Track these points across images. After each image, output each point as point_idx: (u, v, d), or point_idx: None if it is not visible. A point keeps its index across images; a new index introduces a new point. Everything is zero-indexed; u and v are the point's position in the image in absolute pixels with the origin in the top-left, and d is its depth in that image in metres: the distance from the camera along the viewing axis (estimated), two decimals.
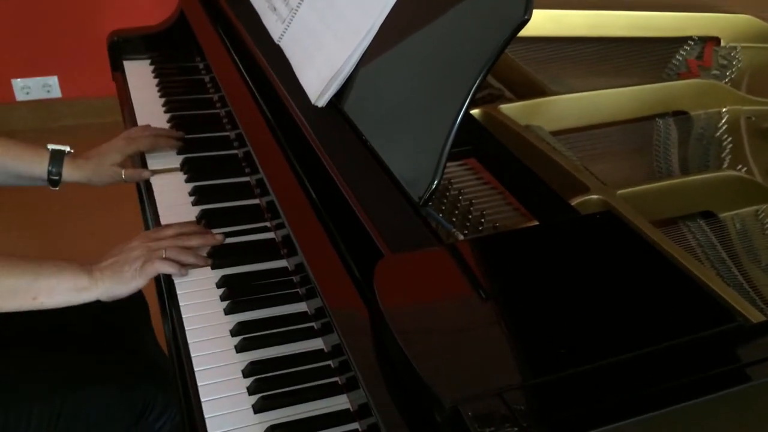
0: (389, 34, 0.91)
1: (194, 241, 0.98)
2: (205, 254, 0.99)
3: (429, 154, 0.78)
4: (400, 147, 0.83)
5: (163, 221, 1.08)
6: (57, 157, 1.12)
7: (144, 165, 1.20)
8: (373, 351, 0.66)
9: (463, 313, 0.63)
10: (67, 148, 1.14)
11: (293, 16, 1.07)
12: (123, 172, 1.17)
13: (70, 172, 1.14)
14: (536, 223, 0.84)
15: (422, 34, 0.87)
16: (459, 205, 0.89)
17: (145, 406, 1.08)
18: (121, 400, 1.06)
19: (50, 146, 1.13)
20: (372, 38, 0.92)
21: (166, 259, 0.95)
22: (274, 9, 1.13)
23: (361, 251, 0.75)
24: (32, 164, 1.12)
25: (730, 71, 1.24)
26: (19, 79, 2.84)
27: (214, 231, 1.03)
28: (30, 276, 0.89)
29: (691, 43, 1.29)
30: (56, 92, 2.90)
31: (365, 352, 0.66)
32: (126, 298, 1.28)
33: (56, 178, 1.13)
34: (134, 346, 1.27)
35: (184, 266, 0.96)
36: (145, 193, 1.17)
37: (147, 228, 1.13)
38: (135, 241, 0.97)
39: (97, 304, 1.23)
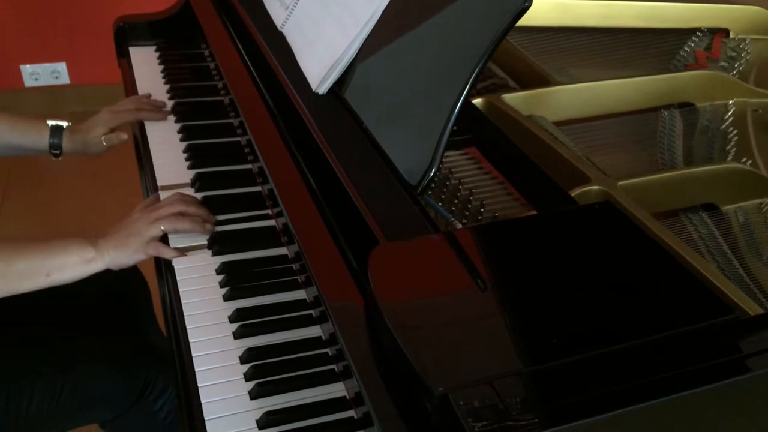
0: (390, 22, 0.91)
1: (192, 209, 1.01)
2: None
3: (428, 142, 0.77)
4: (400, 135, 0.83)
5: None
6: (57, 132, 1.21)
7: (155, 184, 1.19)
8: (366, 339, 0.66)
9: (456, 301, 0.63)
10: (65, 123, 1.23)
11: (296, 3, 1.06)
12: (103, 138, 1.25)
13: (68, 145, 1.23)
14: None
15: (423, 22, 0.86)
16: (459, 194, 0.88)
17: (145, 386, 1.10)
18: (122, 379, 1.08)
19: (50, 122, 1.21)
20: (373, 25, 0.91)
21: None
22: None
23: (358, 239, 0.75)
24: (36, 139, 1.21)
25: (738, 63, 1.23)
26: (28, 65, 2.85)
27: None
28: (40, 256, 0.94)
29: (700, 34, 1.28)
30: (65, 78, 2.90)
31: (358, 339, 0.66)
32: (127, 282, 1.31)
33: (57, 151, 1.23)
34: (136, 328, 1.30)
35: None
36: (147, 181, 1.17)
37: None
38: (136, 213, 1.02)
39: (100, 285, 1.25)
